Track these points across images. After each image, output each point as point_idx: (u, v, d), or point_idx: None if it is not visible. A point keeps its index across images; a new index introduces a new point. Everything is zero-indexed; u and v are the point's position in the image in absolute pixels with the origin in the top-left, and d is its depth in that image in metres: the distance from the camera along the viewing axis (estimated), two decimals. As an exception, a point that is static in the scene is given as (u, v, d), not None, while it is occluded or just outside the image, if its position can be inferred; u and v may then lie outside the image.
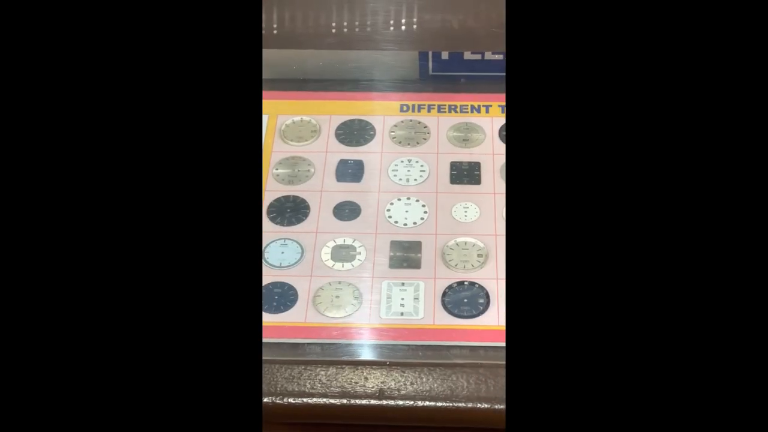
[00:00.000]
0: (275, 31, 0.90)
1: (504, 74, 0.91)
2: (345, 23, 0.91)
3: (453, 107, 0.90)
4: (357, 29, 0.91)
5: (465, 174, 0.84)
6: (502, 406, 0.68)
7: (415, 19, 0.90)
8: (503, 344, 0.71)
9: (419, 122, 0.89)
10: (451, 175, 0.84)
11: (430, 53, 0.91)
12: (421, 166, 0.85)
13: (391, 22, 0.90)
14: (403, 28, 0.90)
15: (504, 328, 0.72)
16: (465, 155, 0.86)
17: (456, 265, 0.77)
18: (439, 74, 0.93)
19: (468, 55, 0.92)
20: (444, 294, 0.75)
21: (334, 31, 0.91)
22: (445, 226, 0.80)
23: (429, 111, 0.90)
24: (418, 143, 0.87)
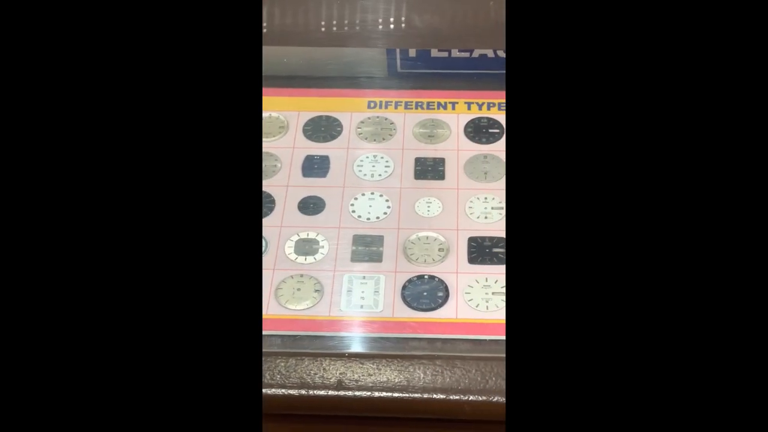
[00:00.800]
0: (265, 29, 0.91)
1: (470, 71, 0.93)
2: (334, 21, 0.92)
3: (420, 104, 0.91)
4: (346, 27, 0.92)
5: (429, 170, 0.85)
6: (457, 397, 0.69)
7: (403, 18, 0.91)
8: (460, 336, 0.73)
9: (386, 119, 0.90)
10: (416, 171, 0.85)
11: (398, 51, 0.93)
12: (386, 161, 0.86)
13: (380, 20, 0.91)
14: (392, 26, 0.92)
15: (461, 320, 0.74)
16: (430, 151, 0.87)
17: (417, 259, 0.78)
18: (407, 71, 0.94)
19: (435, 53, 0.93)
20: (404, 287, 0.76)
21: (323, 29, 0.92)
22: (408, 220, 0.81)
23: (396, 108, 0.91)
24: (384, 139, 0.88)
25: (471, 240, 0.79)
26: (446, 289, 0.76)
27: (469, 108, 0.91)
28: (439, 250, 0.78)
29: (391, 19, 0.92)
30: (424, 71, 0.94)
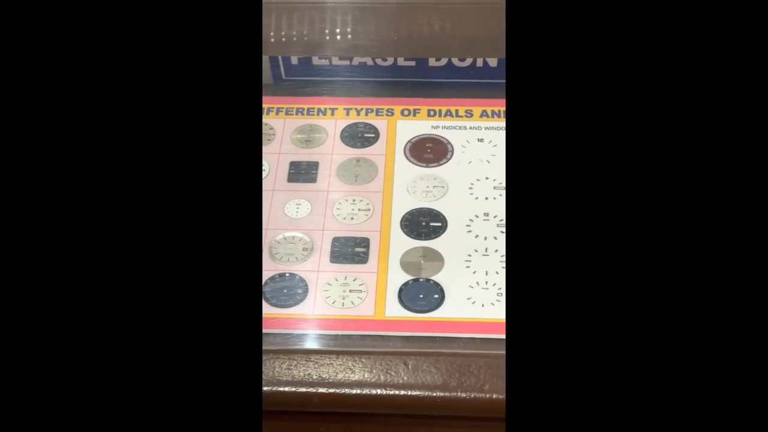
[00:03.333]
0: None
1: (352, 79, 0.96)
2: (282, 32, 0.94)
3: (300, 110, 0.94)
4: (294, 38, 0.95)
5: (302, 173, 0.88)
6: (307, 389, 0.72)
7: (349, 29, 0.94)
8: (315, 332, 0.75)
9: (266, 124, 0.92)
10: (289, 174, 0.88)
11: (281, 58, 0.95)
12: (263, 165, 0.88)
13: (326, 31, 0.94)
14: (338, 37, 0.94)
15: (317, 316, 0.76)
16: (305, 155, 0.89)
17: (281, 258, 0.80)
18: (291, 79, 0.97)
19: (317, 61, 0.96)
20: (265, 284, 0.78)
21: (272, 39, 0.95)
22: (277, 221, 0.83)
23: (277, 114, 0.93)
24: (262, 144, 0.91)
25: (335, 240, 0.82)
26: (306, 287, 0.78)
27: (347, 114, 0.93)
28: (303, 249, 0.81)
29: (337, 30, 0.94)
30: (307, 78, 0.97)
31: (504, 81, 0.94)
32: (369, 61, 0.95)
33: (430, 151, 0.89)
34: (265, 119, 0.93)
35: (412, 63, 0.95)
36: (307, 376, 0.72)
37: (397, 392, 0.71)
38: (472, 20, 0.93)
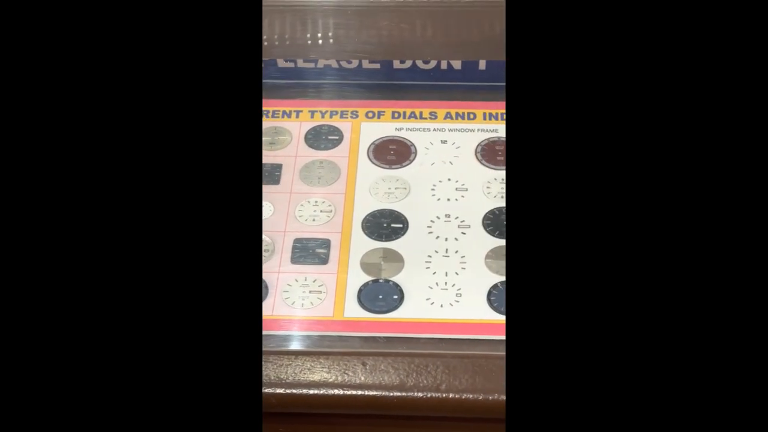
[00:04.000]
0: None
1: (317, 81, 0.97)
2: (265, 35, 0.95)
3: (265, 112, 0.94)
4: (276, 42, 0.95)
5: (266, 175, 0.88)
6: (265, 390, 0.72)
7: (330, 33, 0.94)
8: (274, 332, 0.76)
9: (231, 126, 0.93)
10: (253, 176, 0.88)
11: (246, 61, 0.96)
12: (226, 167, 0.89)
13: (308, 35, 0.94)
14: (320, 42, 0.95)
15: (275, 317, 0.77)
16: (269, 157, 0.90)
17: (242, 260, 0.81)
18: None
19: (282, 63, 0.96)
20: (225, 286, 0.79)
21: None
22: (239, 223, 0.84)
23: (242, 116, 0.94)
24: (226, 146, 0.91)
25: (296, 241, 0.82)
26: (266, 288, 0.79)
27: (312, 116, 0.94)
28: (265, 250, 0.81)
29: (319, 35, 0.95)
30: (273, 81, 0.97)
31: (467, 83, 0.95)
32: (334, 64, 0.96)
33: (393, 153, 0.90)
34: (229, 121, 0.93)
35: (377, 65, 0.96)
36: (265, 377, 0.73)
37: (354, 392, 0.72)
38: (456, 23, 0.93)
